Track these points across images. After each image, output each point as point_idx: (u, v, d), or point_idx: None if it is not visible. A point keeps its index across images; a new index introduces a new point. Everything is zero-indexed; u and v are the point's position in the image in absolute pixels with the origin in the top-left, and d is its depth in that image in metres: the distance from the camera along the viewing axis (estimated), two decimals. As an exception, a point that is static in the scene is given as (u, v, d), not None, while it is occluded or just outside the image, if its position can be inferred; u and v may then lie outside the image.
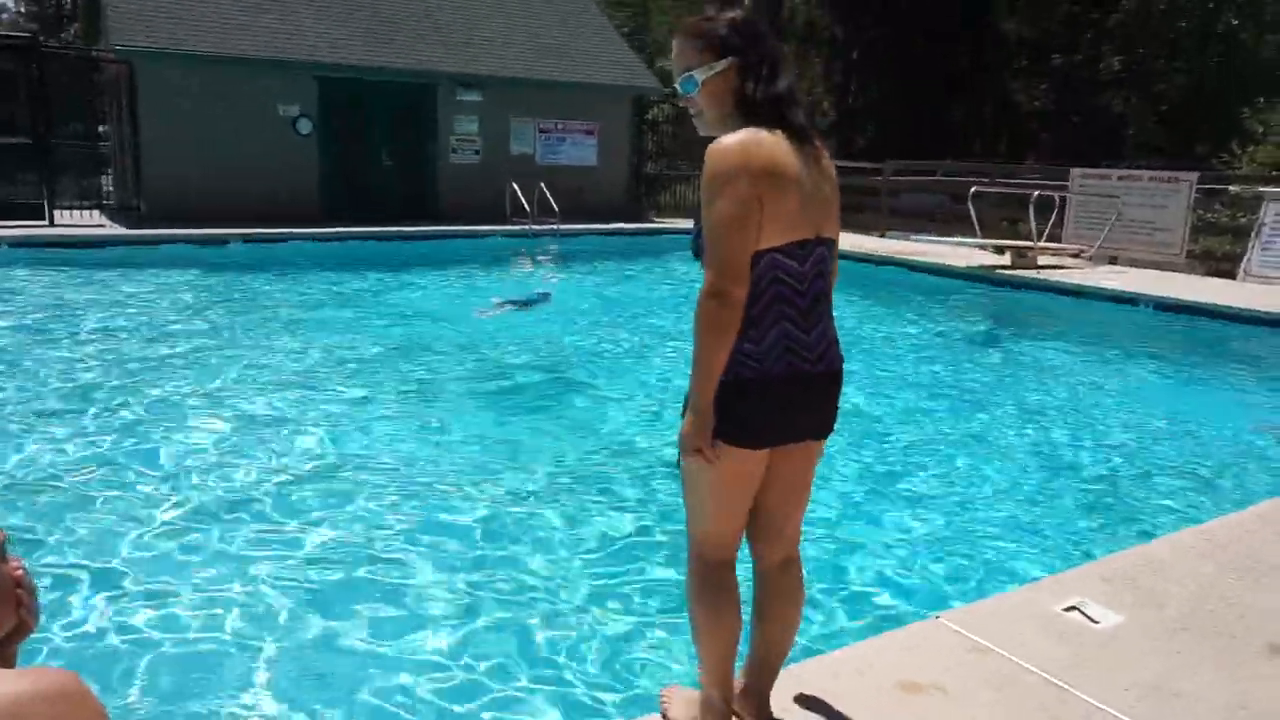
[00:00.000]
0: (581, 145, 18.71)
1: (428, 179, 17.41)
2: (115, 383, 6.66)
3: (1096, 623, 3.03)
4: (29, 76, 14.04)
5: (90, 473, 4.87)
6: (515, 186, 16.51)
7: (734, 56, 2.05)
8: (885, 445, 5.90)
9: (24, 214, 13.51)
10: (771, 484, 2.16)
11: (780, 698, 2.44)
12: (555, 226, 15.76)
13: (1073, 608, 3.12)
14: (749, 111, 2.03)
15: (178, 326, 8.71)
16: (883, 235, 17.06)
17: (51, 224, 13.59)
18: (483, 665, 3.20)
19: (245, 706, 2.93)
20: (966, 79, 26.05)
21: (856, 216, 17.59)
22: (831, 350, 2.12)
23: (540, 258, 14.84)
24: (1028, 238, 13.34)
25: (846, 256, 14.26)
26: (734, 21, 2.07)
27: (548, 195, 16.03)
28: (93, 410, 5.97)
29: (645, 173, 20.95)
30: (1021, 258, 13.30)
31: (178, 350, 7.75)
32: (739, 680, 2.33)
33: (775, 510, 2.21)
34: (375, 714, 2.92)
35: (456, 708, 2.97)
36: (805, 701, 2.51)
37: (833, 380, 2.14)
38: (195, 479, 4.84)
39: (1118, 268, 13.40)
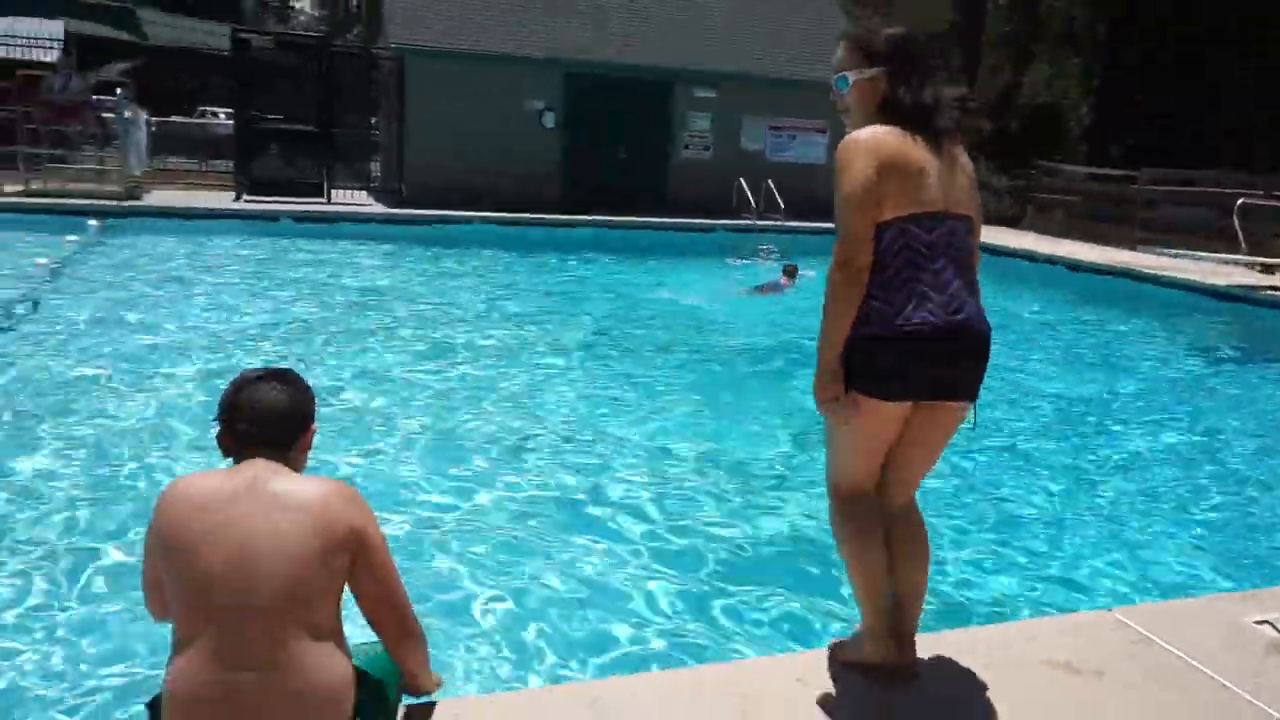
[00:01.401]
0: (811, 143, 18.66)
1: (660, 172, 18.00)
2: (390, 329, 7.54)
3: (1291, 639, 2.84)
4: (318, 73, 15.85)
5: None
6: (743, 182, 16.74)
7: (884, 66, 2.26)
8: (1105, 448, 5.70)
9: (306, 192, 15.28)
10: (908, 439, 2.31)
11: (927, 658, 2.51)
12: (780, 222, 15.86)
13: (1265, 622, 2.94)
14: (893, 114, 2.23)
15: (435, 295, 9.62)
16: (1134, 249, 15.88)
17: (329, 201, 15.28)
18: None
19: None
20: (1240, 84, 23.56)
21: (1102, 227, 16.49)
22: (964, 313, 2.20)
23: (766, 251, 15.03)
24: (1303, 257, 12.03)
25: (1092, 270, 13.40)
26: (890, 36, 2.31)
27: (774, 191, 16.15)
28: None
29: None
30: (1294, 278, 12.01)
31: (436, 317, 8.59)
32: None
33: (905, 462, 2.35)
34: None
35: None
36: (950, 665, 2.56)
37: (967, 344, 2.22)
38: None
39: None
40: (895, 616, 2.42)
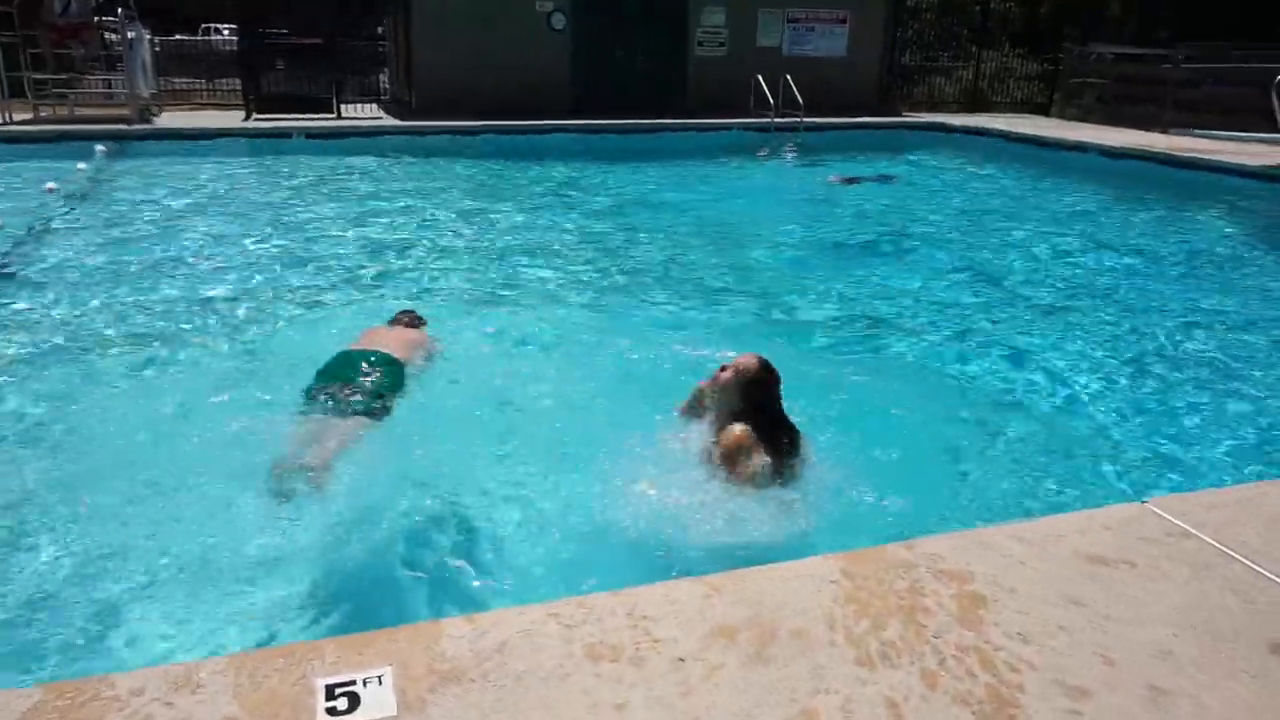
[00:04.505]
0: (831, 35, 18.04)
1: (674, 73, 17.51)
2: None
3: (1332, 524, 2.79)
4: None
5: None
6: (760, 79, 16.25)
7: None
8: (1153, 345, 5.60)
9: (316, 107, 15.03)
10: None
11: (963, 554, 2.49)
12: (799, 119, 15.46)
13: (1305, 507, 2.88)
14: None
15: (445, 205, 9.52)
16: (1165, 132, 15.36)
17: (339, 116, 15.03)
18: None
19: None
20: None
21: (1133, 110, 15.96)
22: None
23: (784, 150, 14.70)
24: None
25: (1116, 155, 13.12)
26: None
27: (792, 88, 15.69)
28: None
29: (901, 64, 19.92)
30: (1336, 157, 11.58)
31: (453, 225, 8.52)
32: None
33: None
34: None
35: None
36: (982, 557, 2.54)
37: None
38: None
39: None
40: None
